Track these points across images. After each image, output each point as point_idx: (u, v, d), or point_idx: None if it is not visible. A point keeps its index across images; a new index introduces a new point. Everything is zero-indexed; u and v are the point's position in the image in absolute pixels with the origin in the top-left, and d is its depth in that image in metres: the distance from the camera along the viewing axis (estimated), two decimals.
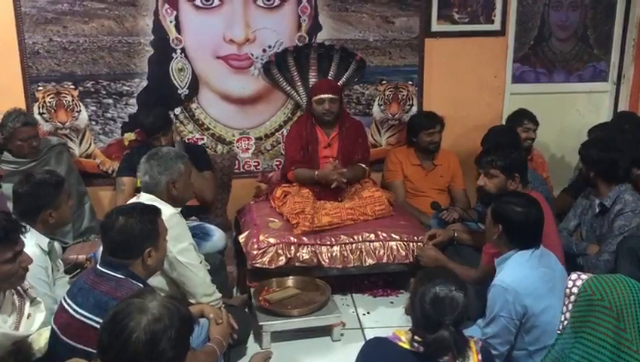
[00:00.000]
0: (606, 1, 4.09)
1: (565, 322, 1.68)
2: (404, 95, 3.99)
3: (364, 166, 3.59)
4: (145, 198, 2.38)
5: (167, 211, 2.30)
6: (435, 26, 3.90)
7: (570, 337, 1.63)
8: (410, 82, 3.97)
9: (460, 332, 1.72)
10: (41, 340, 2.03)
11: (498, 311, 2.18)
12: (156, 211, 2.05)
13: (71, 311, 1.89)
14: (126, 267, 1.94)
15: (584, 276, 1.68)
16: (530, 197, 2.40)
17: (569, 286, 1.69)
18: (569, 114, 4.22)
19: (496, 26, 3.95)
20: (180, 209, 2.47)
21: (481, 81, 4.02)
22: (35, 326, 1.99)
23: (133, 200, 2.47)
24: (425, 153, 3.78)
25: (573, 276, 1.71)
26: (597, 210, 2.98)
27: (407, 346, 1.75)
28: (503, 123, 4.01)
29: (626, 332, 1.54)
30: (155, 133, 3.30)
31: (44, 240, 2.34)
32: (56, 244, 2.66)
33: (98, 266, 1.97)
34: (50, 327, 1.98)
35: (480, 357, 1.74)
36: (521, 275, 2.19)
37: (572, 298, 1.66)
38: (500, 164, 2.76)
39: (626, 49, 4.12)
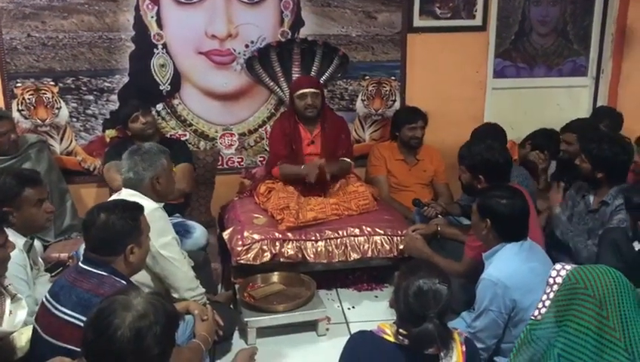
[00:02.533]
0: None
1: (543, 309, 1.69)
2: (387, 90, 4.00)
3: (348, 160, 3.59)
4: (126, 194, 2.37)
5: (150, 206, 2.29)
6: (418, 22, 3.91)
7: (554, 326, 1.65)
8: (393, 77, 3.98)
9: (444, 324, 1.73)
10: (22, 339, 2.01)
11: (487, 305, 2.20)
12: (138, 208, 2.04)
13: (53, 309, 1.87)
14: (108, 264, 1.92)
15: (568, 266, 1.71)
16: (513, 189, 2.42)
17: (552, 275, 1.71)
18: (549, 108, 4.26)
19: (478, 21, 3.97)
20: (162, 204, 2.45)
21: (463, 76, 4.05)
22: (18, 322, 1.97)
23: (115, 196, 2.45)
24: (408, 148, 3.80)
25: (558, 266, 1.73)
26: (592, 207, 2.98)
27: (392, 339, 1.76)
28: (486, 118, 4.06)
29: (609, 320, 1.57)
30: (134, 112, 3.31)
31: (21, 240, 2.30)
32: (37, 243, 2.63)
33: (80, 264, 1.95)
34: (31, 326, 1.96)
35: (464, 348, 1.76)
36: (511, 269, 2.21)
37: (554, 287, 1.68)
38: (466, 163, 2.82)
39: (605, 44, 4.17)
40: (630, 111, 3.85)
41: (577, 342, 1.59)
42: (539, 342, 1.67)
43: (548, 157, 3.64)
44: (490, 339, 2.24)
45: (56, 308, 1.86)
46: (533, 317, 1.72)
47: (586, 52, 4.26)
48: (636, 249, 2.61)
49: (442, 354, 1.72)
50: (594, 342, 1.57)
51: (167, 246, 2.34)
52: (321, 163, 3.29)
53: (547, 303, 1.69)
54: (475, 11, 3.96)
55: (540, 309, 1.70)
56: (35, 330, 1.91)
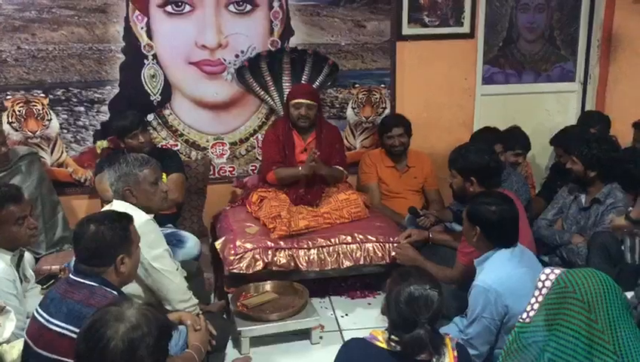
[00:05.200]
0: (571, 3, 4.19)
1: (532, 312, 1.70)
2: (377, 98, 4.03)
3: (342, 169, 3.60)
4: (117, 205, 2.36)
5: (141, 218, 2.28)
6: (406, 30, 3.94)
7: (544, 330, 1.66)
8: (382, 85, 4.01)
9: (435, 330, 1.74)
10: (13, 352, 2.00)
11: (480, 311, 2.21)
12: (128, 218, 2.04)
13: (43, 321, 1.86)
14: (99, 275, 1.92)
15: (557, 270, 1.72)
16: (502, 195, 2.44)
17: (541, 279, 1.72)
18: (538, 114, 4.30)
19: (466, 28, 4.01)
20: (153, 215, 2.45)
21: (452, 83, 4.08)
22: (7, 334, 1.96)
23: (107, 207, 2.44)
24: (392, 156, 3.82)
25: (547, 270, 1.74)
26: (584, 205, 3.04)
27: (384, 346, 1.77)
28: (475, 124, 4.09)
29: (597, 324, 1.57)
30: (135, 129, 3.28)
31: (7, 255, 2.28)
32: (28, 255, 2.61)
33: (70, 275, 1.95)
34: (22, 339, 1.95)
35: (455, 353, 1.77)
36: (503, 275, 2.22)
37: (543, 291, 1.69)
38: (457, 167, 2.85)
39: (591, 49, 4.22)
40: (618, 116, 3.90)
41: (568, 346, 1.60)
42: (529, 347, 1.68)
43: (521, 152, 3.69)
44: (484, 346, 2.24)
45: (47, 321, 1.85)
46: (521, 320, 1.72)
47: (574, 58, 4.31)
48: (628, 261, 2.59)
49: (434, 359, 1.73)
50: (584, 346, 1.58)
51: (159, 258, 2.33)
52: (315, 151, 3.30)
53: (536, 306, 1.69)
54: (463, 19, 3.99)
55: (528, 312, 1.71)
56: (26, 344, 1.90)
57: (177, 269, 2.46)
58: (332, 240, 3.20)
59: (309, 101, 3.47)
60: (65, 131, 3.72)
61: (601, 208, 2.96)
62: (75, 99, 3.69)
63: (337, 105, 4.01)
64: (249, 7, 3.72)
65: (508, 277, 2.22)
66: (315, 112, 3.50)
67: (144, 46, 3.67)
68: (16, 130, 3.65)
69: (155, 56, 3.69)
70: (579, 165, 3.02)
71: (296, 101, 3.48)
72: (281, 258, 3.11)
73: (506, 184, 3.15)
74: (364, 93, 4.01)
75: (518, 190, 3.27)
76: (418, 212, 3.38)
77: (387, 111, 4.04)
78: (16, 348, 2.00)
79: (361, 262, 3.18)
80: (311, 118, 3.49)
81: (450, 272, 2.73)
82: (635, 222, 2.33)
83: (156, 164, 2.52)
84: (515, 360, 1.72)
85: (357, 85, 3.99)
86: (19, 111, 3.63)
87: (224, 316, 2.94)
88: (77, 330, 1.65)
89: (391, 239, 3.22)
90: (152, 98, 3.76)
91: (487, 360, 2.30)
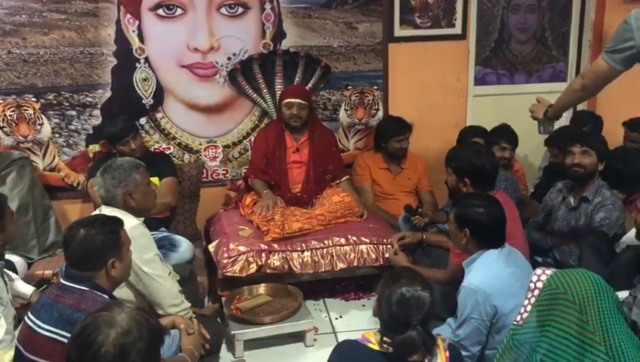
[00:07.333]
0: (562, 4, 4.21)
1: (525, 314, 1.71)
2: (369, 100, 4.03)
3: (347, 177, 3.67)
4: (106, 211, 2.35)
5: (131, 222, 2.27)
6: (398, 31, 3.94)
7: (536, 331, 1.67)
8: (375, 87, 4.01)
9: (427, 331, 1.74)
10: (5, 358, 2.00)
11: (469, 312, 2.21)
12: (118, 222, 2.03)
13: (34, 326, 1.85)
14: (90, 279, 1.91)
15: (548, 271, 1.72)
16: (489, 197, 2.45)
17: (533, 280, 1.73)
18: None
19: (458, 29, 4.02)
20: (142, 219, 2.44)
21: (445, 84, 4.09)
22: None
23: (96, 212, 2.43)
24: (393, 158, 3.82)
25: (538, 271, 1.75)
26: (573, 205, 3.06)
27: (376, 347, 1.77)
28: (468, 124, 4.10)
29: (589, 324, 1.58)
30: (126, 136, 3.27)
31: None
32: (17, 258, 2.59)
33: (61, 280, 1.94)
34: (14, 346, 1.94)
35: (448, 354, 1.78)
36: (490, 276, 2.23)
37: (535, 292, 1.70)
38: (453, 166, 2.84)
39: (583, 50, 4.24)
40: (609, 115, 3.91)
41: (559, 347, 1.60)
42: (521, 348, 1.69)
43: (507, 146, 3.70)
44: (475, 347, 2.25)
45: (38, 326, 1.84)
46: (515, 323, 1.73)
47: (565, 58, 4.32)
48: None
49: (426, 360, 1.73)
50: (575, 347, 1.58)
51: (149, 262, 2.32)
52: (279, 206, 3.34)
53: (529, 308, 1.70)
54: (455, 20, 4.00)
55: (522, 314, 1.72)
56: (17, 349, 1.89)
57: (170, 273, 2.45)
58: (326, 242, 3.20)
59: (300, 100, 3.48)
60: (57, 135, 3.71)
61: (589, 207, 2.97)
62: (66, 103, 3.67)
63: (330, 108, 4.01)
64: (241, 9, 3.71)
65: (496, 278, 2.22)
66: (306, 112, 3.51)
67: (136, 49, 3.66)
68: (8, 135, 3.63)
69: (147, 60, 3.68)
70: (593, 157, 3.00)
71: (287, 100, 3.49)
72: (275, 260, 3.10)
73: None
74: (357, 95, 4.01)
75: (506, 188, 3.27)
76: (413, 210, 3.38)
77: (380, 113, 4.04)
78: (8, 354, 2.00)
79: (355, 264, 3.18)
80: (302, 117, 3.50)
81: (442, 274, 2.73)
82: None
83: (143, 164, 2.53)
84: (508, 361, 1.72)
85: (349, 87, 3.99)
86: (10, 115, 3.61)
87: (218, 319, 2.94)
88: (68, 335, 1.64)
89: (384, 241, 3.23)
90: (144, 101, 3.75)
91: (479, 361, 2.31)
